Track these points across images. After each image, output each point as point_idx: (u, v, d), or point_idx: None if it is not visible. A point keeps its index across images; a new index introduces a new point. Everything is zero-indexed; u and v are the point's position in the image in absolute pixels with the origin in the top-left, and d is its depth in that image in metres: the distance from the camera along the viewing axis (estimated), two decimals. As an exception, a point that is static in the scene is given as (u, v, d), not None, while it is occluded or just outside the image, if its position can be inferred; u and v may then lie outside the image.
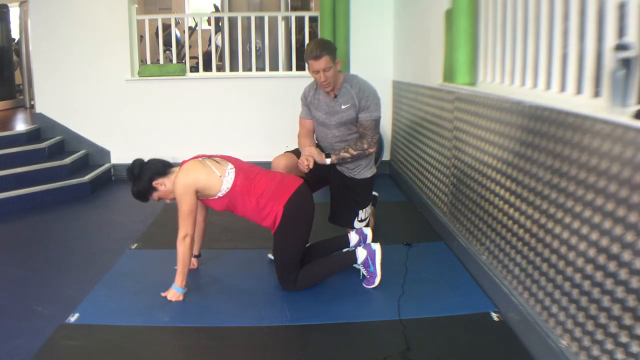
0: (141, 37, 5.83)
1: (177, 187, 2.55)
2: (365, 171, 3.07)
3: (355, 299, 2.63)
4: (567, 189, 1.89)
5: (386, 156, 5.32)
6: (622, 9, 1.70)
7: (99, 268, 3.00)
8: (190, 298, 2.62)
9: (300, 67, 5.87)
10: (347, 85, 2.95)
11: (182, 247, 2.56)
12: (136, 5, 5.30)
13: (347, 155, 2.95)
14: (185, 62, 5.66)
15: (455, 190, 3.23)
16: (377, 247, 2.72)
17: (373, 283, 2.71)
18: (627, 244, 1.57)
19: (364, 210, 3.12)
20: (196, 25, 6.76)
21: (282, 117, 5.20)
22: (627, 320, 1.56)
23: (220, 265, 3.06)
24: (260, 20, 5.48)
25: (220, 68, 6.06)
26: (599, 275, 1.70)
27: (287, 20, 5.85)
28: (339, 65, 2.91)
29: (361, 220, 3.12)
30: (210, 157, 2.72)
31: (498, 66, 2.79)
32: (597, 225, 1.72)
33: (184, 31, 6.19)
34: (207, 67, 6.13)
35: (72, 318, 2.42)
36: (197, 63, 5.59)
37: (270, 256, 3.03)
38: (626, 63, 1.59)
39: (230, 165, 2.66)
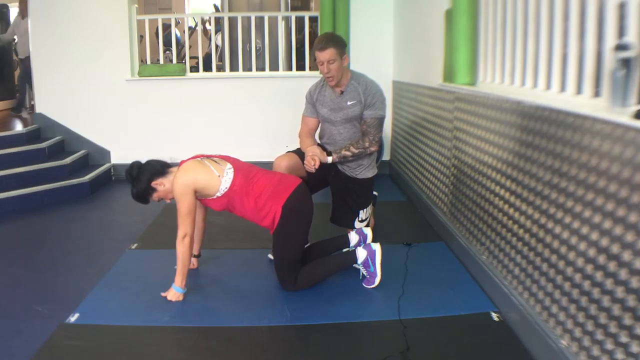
0: (141, 37, 5.83)
1: (176, 186, 2.55)
2: (366, 171, 3.08)
3: (355, 299, 2.63)
4: (567, 189, 1.89)
5: (386, 156, 5.32)
6: (622, 9, 1.70)
7: (99, 268, 3.00)
8: (190, 298, 2.62)
9: (300, 67, 5.87)
10: (355, 83, 2.96)
11: (182, 247, 2.56)
12: (136, 5, 5.30)
13: (348, 153, 2.95)
14: (185, 62, 5.66)
15: (455, 190, 3.23)
16: (377, 247, 2.72)
17: (373, 283, 2.71)
18: (627, 244, 1.57)
19: (365, 210, 3.12)
20: (196, 25, 6.75)
21: (282, 117, 5.20)
22: (627, 320, 1.56)
23: (220, 265, 3.06)
24: (260, 20, 5.48)
25: (221, 68, 6.06)
26: (599, 275, 1.70)
27: (287, 20, 5.85)
28: (346, 61, 2.91)
29: (362, 220, 3.12)
30: (209, 157, 2.72)
31: (498, 66, 2.79)
32: (597, 225, 1.72)
33: (184, 31, 6.18)
34: (207, 67, 6.13)
35: (72, 318, 2.42)
36: (197, 63, 5.59)
37: (270, 256, 3.03)
38: (626, 63, 1.59)
39: (229, 165, 2.66)
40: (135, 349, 2.22)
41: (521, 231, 2.27)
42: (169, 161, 2.76)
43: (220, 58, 6.66)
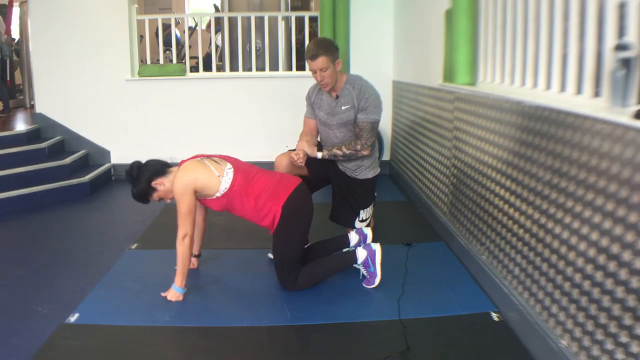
0: (141, 37, 5.83)
1: (176, 186, 2.55)
2: (367, 172, 3.08)
3: (355, 299, 2.63)
4: (567, 189, 1.89)
5: (386, 156, 5.32)
6: (622, 9, 1.70)
7: (99, 268, 3.00)
8: (190, 298, 2.62)
9: (300, 67, 5.87)
10: (349, 87, 2.92)
11: (182, 247, 2.56)
12: (136, 5, 5.30)
13: (339, 152, 2.93)
14: (185, 62, 5.66)
15: (455, 190, 3.23)
16: (377, 247, 2.72)
17: (373, 283, 2.71)
18: (627, 244, 1.57)
19: (365, 210, 3.12)
20: (196, 25, 6.75)
21: (282, 117, 5.20)
22: (627, 320, 1.56)
23: (220, 265, 3.06)
24: (260, 20, 5.48)
25: (220, 68, 6.06)
26: (599, 275, 1.70)
27: (287, 20, 5.85)
28: (339, 66, 2.88)
29: (362, 220, 3.12)
30: (209, 156, 2.72)
31: (498, 66, 2.80)
32: (597, 225, 1.72)
33: (184, 31, 6.18)
34: (207, 67, 6.13)
35: (72, 318, 2.42)
36: (197, 63, 5.59)
37: (270, 256, 3.03)
38: (626, 63, 1.59)
39: (229, 165, 2.66)
40: (135, 349, 2.22)
41: (521, 231, 2.27)
42: (169, 161, 2.76)
43: (220, 58, 6.66)
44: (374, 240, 2.85)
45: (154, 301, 2.57)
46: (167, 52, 7.08)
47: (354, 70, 5.09)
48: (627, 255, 1.56)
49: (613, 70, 1.64)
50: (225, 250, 3.27)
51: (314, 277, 2.73)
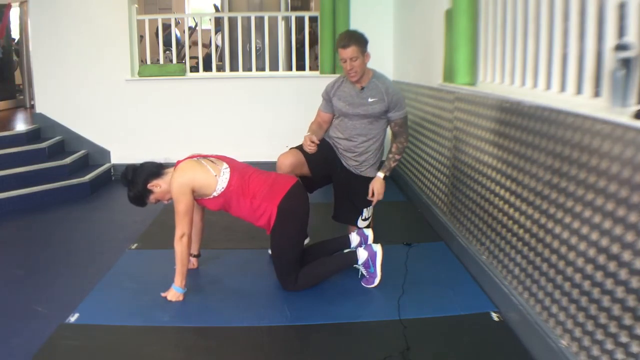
0: (141, 37, 5.83)
1: (174, 186, 2.55)
2: (371, 170, 3.09)
3: (355, 299, 2.63)
4: (567, 189, 1.89)
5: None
6: (622, 9, 1.70)
7: (99, 268, 3.00)
8: (190, 298, 2.62)
9: (300, 67, 5.87)
10: (376, 81, 3.01)
11: (180, 247, 2.56)
12: (136, 5, 5.30)
13: (396, 160, 3.09)
14: (185, 62, 5.66)
15: (455, 190, 3.23)
16: (378, 248, 2.72)
17: (372, 283, 2.71)
18: (627, 244, 1.57)
19: (368, 209, 3.13)
20: (196, 25, 6.75)
21: (282, 117, 5.20)
22: (627, 320, 1.56)
23: (220, 265, 3.06)
24: (260, 20, 5.48)
25: (220, 68, 6.06)
26: (599, 275, 1.70)
27: (287, 20, 5.85)
28: (368, 59, 2.96)
29: (365, 219, 3.13)
30: (205, 156, 2.72)
31: (498, 66, 2.80)
32: (597, 225, 1.72)
33: (184, 31, 6.18)
34: (207, 67, 6.13)
35: (72, 318, 2.42)
36: (197, 63, 5.59)
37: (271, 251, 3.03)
38: (626, 63, 1.59)
39: (225, 165, 2.67)
40: (135, 349, 2.22)
41: (521, 231, 2.27)
42: (163, 162, 2.76)
43: (220, 58, 6.66)
44: (374, 241, 2.85)
45: (154, 301, 2.57)
46: (167, 52, 7.08)
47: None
48: (627, 255, 1.56)
49: (613, 70, 1.64)
50: (225, 250, 3.27)
51: (315, 277, 2.73)
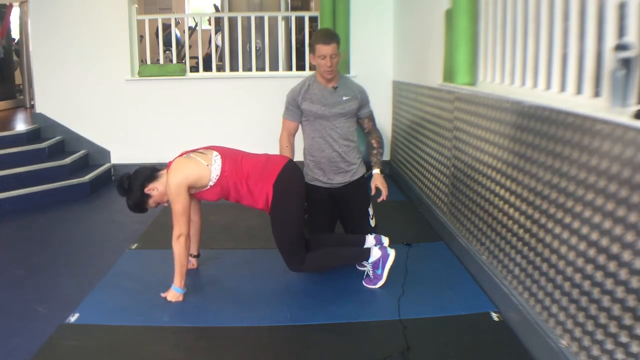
0: (141, 37, 5.83)
1: (170, 188, 2.56)
2: (360, 169, 3.12)
3: (355, 299, 2.63)
4: (567, 189, 1.89)
5: (386, 156, 5.31)
6: (622, 9, 1.70)
7: (99, 268, 3.00)
8: (190, 298, 2.62)
9: (300, 67, 5.87)
10: (346, 81, 3.10)
11: (178, 247, 2.56)
12: (136, 5, 5.30)
13: (380, 154, 3.12)
14: (185, 62, 5.66)
15: (455, 190, 3.23)
16: (392, 252, 2.72)
17: (375, 284, 2.71)
18: (627, 244, 1.57)
19: (370, 206, 3.16)
20: (196, 25, 6.75)
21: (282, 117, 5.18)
22: (627, 320, 1.56)
23: (220, 265, 3.06)
24: (260, 20, 5.47)
25: (220, 68, 6.05)
26: (599, 275, 1.70)
27: (287, 20, 5.85)
28: (339, 57, 3.01)
29: (372, 217, 3.15)
30: (194, 151, 2.73)
31: (498, 66, 2.80)
32: (597, 225, 1.72)
33: (184, 31, 6.18)
34: (207, 67, 6.13)
35: (72, 318, 2.42)
36: (197, 63, 5.59)
37: None
38: (626, 63, 1.59)
39: (215, 153, 2.68)
40: (135, 349, 2.22)
41: (521, 231, 2.27)
42: (155, 162, 2.76)
43: (220, 58, 6.66)
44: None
45: (154, 301, 2.57)
46: (167, 52, 7.08)
47: (353, 70, 5.10)
48: (627, 255, 1.56)
49: (613, 70, 1.64)
50: (225, 250, 3.27)
51: (323, 263, 2.76)
